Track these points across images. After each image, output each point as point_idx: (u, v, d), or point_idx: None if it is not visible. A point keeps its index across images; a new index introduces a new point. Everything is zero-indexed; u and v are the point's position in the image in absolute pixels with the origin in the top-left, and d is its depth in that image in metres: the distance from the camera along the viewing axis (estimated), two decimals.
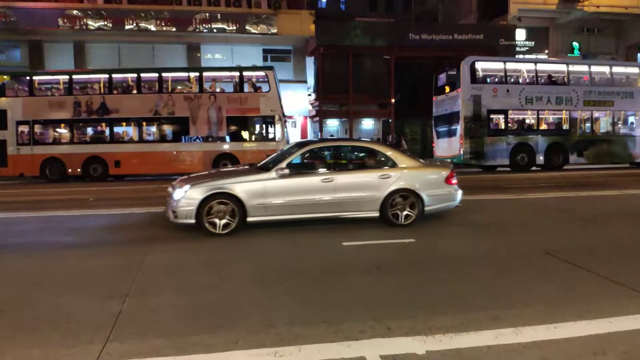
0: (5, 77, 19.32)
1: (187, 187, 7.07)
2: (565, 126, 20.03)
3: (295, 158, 7.66)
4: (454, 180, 7.87)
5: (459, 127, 19.27)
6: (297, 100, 27.11)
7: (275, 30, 26.98)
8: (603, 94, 20.07)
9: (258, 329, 3.51)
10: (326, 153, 8.37)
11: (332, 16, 39.28)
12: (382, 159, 7.88)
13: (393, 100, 26.23)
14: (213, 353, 3.16)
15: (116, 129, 19.16)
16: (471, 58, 19.45)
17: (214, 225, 6.94)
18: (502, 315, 3.70)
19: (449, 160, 20.73)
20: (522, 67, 20.53)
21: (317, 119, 26.88)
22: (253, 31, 26.91)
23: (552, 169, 19.44)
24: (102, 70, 21.22)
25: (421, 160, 8.45)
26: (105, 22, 25.89)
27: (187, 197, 6.97)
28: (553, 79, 20.15)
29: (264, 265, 5.47)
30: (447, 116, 20.59)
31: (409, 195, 7.49)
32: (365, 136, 28.51)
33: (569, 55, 30.36)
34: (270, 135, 19.20)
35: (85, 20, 25.71)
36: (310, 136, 27.66)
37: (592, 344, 3.21)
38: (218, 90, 19.53)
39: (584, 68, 20.91)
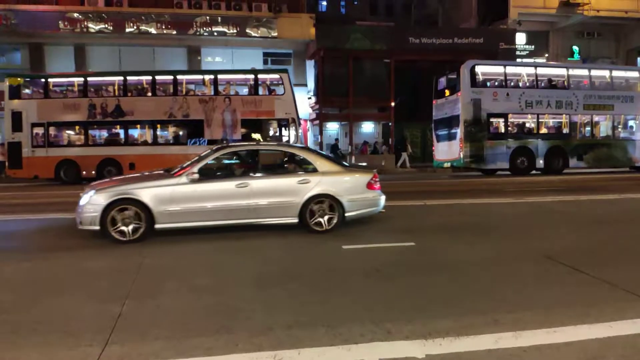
0: (19, 79, 19.39)
1: (92, 192, 6.84)
2: (565, 130, 20.06)
3: (209, 162, 7.38)
4: (377, 186, 7.69)
5: (459, 131, 19.29)
6: (297, 103, 27.12)
7: (275, 34, 27.03)
8: (603, 98, 20.11)
9: (257, 332, 3.50)
10: (243, 157, 8.09)
11: (332, 20, 39.42)
12: (302, 163, 7.67)
13: (393, 104, 26.27)
14: (213, 356, 3.15)
15: (131, 132, 19.24)
16: (471, 62, 19.49)
17: (120, 232, 6.67)
18: (502, 319, 3.70)
19: (448, 163, 20.81)
20: (522, 71, 20.58)
21: (317, 122, 26.91)
22: (253, 34, 26.95)
23: (552, 172, 19.45)
24: (117, 72, 21.31)
25: (345, 164, 8.27)
26: (106, 25, 25.94)
27: (91, 202, 6.72)
28: (553, 83, 20.18)
29: (264, 268, 5.47)
30: (447, 120, 20.60)
31: (328, 201, 7.29)
32: (366, 139, 28.57)
33: (569, 59, 30.43)
34: (285, 139, 19.15)
35: (86, 23, 25.76)
36: (310, 139, 27.67)
37: (592, 348, 3.21)
38: (232, 92, 19.58)
39: (584, 72, 20.97)
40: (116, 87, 19.35)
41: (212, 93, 19.16)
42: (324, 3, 49.83)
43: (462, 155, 19.17)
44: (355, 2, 50.07)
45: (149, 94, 19.29)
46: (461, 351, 3.18)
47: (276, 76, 19.65)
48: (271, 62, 28.97)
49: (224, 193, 7.03)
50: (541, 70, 20.69)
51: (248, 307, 4.09)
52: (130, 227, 6.72)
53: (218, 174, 7.50)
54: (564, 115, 19.92)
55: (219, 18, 26.78)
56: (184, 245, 6.69)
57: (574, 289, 4.51)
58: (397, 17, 46.10)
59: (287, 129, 19.10)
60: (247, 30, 26.86)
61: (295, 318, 3.80)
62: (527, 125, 20.17)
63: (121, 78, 19.44)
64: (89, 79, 19.63)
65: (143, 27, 26.17)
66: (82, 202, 6.85)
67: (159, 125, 19.15)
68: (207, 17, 26.70)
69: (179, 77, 19.74)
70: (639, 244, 6.60)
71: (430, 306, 4.05)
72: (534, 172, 19.61)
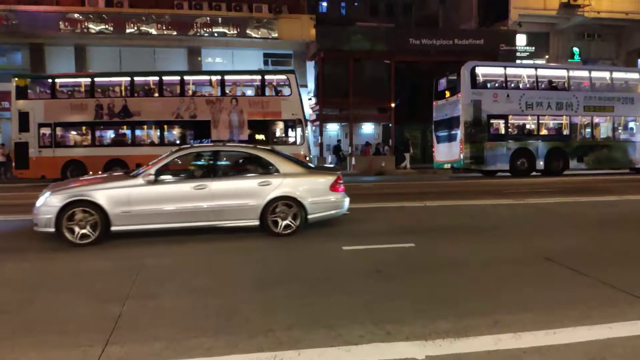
0: (26, 79, 19.44)
1: (47, 193, 6.74)
2: (566, 131, 20.06)
3: (167, 163, 7.24)
4: (341, 188, 7.57)
5: (459, 132, 19.30)
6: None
7: (275, 35, 27.04)
8: (603, 99, 20.12)
9: (257, 333, 3.51)
10: (204, 158, 7.83)
11: (332, 21, 39.46)
12: (264, 165, 7.53)
13: (393, 105, 26.28)
14: (213, 357, 3.16)
15: (137, 132, 19.25)
16: (471, 63, 19.50)
17: (75, 235, 6.58)
18: (501, 320, 3.70)
19: (448, 165, 20.81)
20: (523, 72, 20.58)
21: (317, 123, 26.91)
22: (254, 35, 26.97)
23: (552, 174, 19.46)
24: (124, 73, 21.33)
25: (310, 165, 8.14)
26: (107, 26, 25.95)
27: (46, 204, 6.62)
28: (553, 85, 20.20)
29: (264, 269, 5.47)
30: (447, 121, 20.62)
31: (290, 203, 7.18)
32: (365, 140, 28.58)
33: (569, 60, 30.44)
34: (292, 139, 19.20)
35: (86, 24, 25.77)
36: (310, 140, 27.67)
37: (591, 350, 3.21)
38: (239, 93, 19.61)
39: (585, 73, 20.98)
40: (123, 88, 19.38)
41: (219, 94, 19.18)
42: (324, 4, 49.88)
43: (462, 157, 19.17)
44: (356, 3, 50.12)
45: (156, 94, 19.32)
46: (461, 352, 3.18)
47: (283, 77, 19.71)
48: (271, 62, 29.00)
49: (181, 195, 6.93)
50: (541, 72, 20.70)
51: (248, 307, 4.09)
52: (85, 230, 6.62)
53: (176, 175, 7.31)
54: (564, 116, 19.93)
55: (220, 19, 26.79)
56: (183, 246, 6.70)
57: (574, 290, 4.51)
58: (397, 18, 46.14)
59: (293, 129, 19.13)
60: (248, 31, 26.87)
61: (295, 319, 3.80)
62: (528, 126, 20.18)
63: (128, 78, 19.48)
64: (96, 79, 19.63)
65: (143, 28, 26.19)
66: (38, 203, 6.75)
67: (165, 126, 19.16)
68: (208, 18, 26.72)
69: (186, 77, 19.79)
70: (638, 245, 6.60)
71: (430, 307, 4.06)
72: (534, 173, 19.61)
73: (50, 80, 19.48)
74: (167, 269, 5.57)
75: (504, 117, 19.50)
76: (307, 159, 19.33)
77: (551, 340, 3.36)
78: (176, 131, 19.30)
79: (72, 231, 6.61)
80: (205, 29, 26.59)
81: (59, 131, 18.78)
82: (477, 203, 10.75)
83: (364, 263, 5.62)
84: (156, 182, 6.92)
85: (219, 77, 19.64)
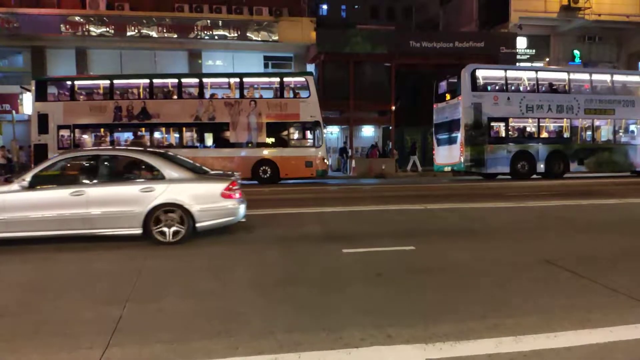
0: (47, 82, 19.50)
1: None
2: (566, 134, 20.06)
3: (46, 168, 7.01)
4: (235, 195, 7.17)
5: (460, 135, 19.30)
6: None
7: (276, 38, 27.08)
8: (604, 102, 20.11)
9: (258, 336, 3.51)
10: (86, 163, 7.55)
11: (333, 24, 39.57)
12: (147, 170, 7.21)
13: (393, 108, 26.30)
14: (213, 359, 3.16)
15: (156, 134, 19.34)
16: (472, 66, 19.51)
17: None
18: (502, 324, 3.70)
19: (448, 167, 20.81)
20: (523, 75, 20.60)
21: None
22: (254, 38, 27.02)
23: (552, 177, 19.44)
24: (143, 75, 21.41)
25: (206, 170, 7.89)
26: (107, 29, 26.01)
27: None
28: (554, 87, 20.20)
29: (264, 272, 5.47)
30: (448, 124, 20.62)
31: (176, 210, 6.81)
32: (367, 143, 28.61)
33: (570, 63, 30.46)
34: (310, 141, 19.29)
35: (87, 27, 25.83)
36: None
37: (592, 353, 3.21)
38: (258, 95, 19.67)
39: (585, 76, 20.98)
40: (142, 90, 19.47)
41: (238, 96, 19.23)
42: (325, 7, 50.00)
43: (462, 159, 19.17)
44: (356, 6, 50.22)
45: (175, 96, 19.38)
46: (462, 355, 3.18)
47: (302, 79, 19.79)
48: (272, 65, 29.06)
49: (57, 201, 6.64)
50: (542, 75, 20.71)
51: (248, 310, 4.09)
52: None
53: (54, 181, 7.01)
54: (564, 119, 19.93)
55: (220, 22, 26.84)
56: (184, 249, 6.69)
57: (574, 293, 4.51)
58: (397, 21, 46.24)
59: (312, 131, 19.17)
60: (248, 34, 26.92)
61: (296, 322, 3.80)
62: (528, 129, 20.18)
63: (147, 81, 19.60)
64: (115, 81, 19.70)
65: (144, 31, 26.24)
66: None
67: (184, 128, 19.22)
68: (208, 21, 26.77)
69: (204, 79, 19.89)
70: (639, 249, 6.60)
71: (431, 310, 4.05)
72: (534, 176, 19.60)
73: (69, 83, 19.57)
74: (168, 271, 5.57)
75: (505, 119, 19.50)
76: (325, 161, 19.33)
77: (552, 343, 3.35)
78: (194, 133, 19.32)
79: None
80: (205, 32, 26.64)
81: (78, 133, 18.83)
82: (477, 206, 10.75)
83: (364, 266, 5.62)
84: (32, 188, 6.66)
85: (237, 80, 19.68)
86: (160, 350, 3.29)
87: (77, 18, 25.86)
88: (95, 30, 25.91)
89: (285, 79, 19.87)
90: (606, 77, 21.26)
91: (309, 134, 19.33)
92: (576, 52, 31.12)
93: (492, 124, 19.45)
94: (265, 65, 28.90)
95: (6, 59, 28.42)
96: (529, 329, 3.58)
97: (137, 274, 5.26)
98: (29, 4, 26.14)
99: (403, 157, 27.10)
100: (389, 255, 6.21)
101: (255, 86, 20.12)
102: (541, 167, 19.56)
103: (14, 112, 25.16)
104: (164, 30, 26.36)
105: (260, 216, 9.27)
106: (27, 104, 25.69)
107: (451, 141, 20.28)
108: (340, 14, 50.41)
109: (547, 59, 30.60)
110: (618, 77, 21.61)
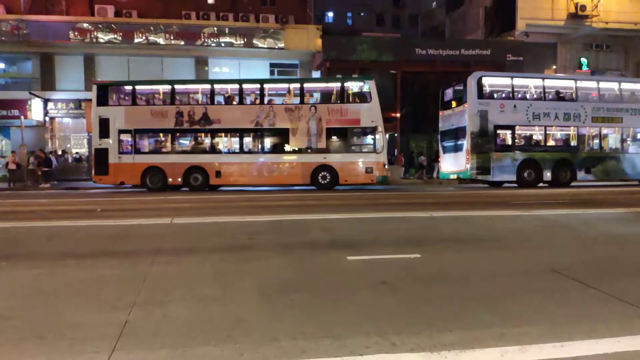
0: (108, 87, 19.67)
1: None
2: (573, 142, 19.99)
3: None
4: None
5: (466, 142, 19.28)
6: None
7: (282, 45, 27.25)
8: (612, 110, 20.05)
9: (262, 342, 3.50)
10: None
11: (338, 31, 39.71)
12: None
13: (399, 115, 26.31)
14: None
15: (217, 139, 19.43)
16: (478, 73, 19.53)
17: None
18: (508, 333, 3.67)
19: (454, 175, 20.77)
20: (530, 83, 20.57)
21: None
22: (260, 45, 27.20)
23: (559, 185, 19.37)
24: (204, 80, 21.65)
25: None
26: (115, 36, 26.28)
27: None
28: (561, 95, 20.16)
29: (269, 278, 5.47)
30: (454, 131, 20.61)
31: None
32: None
33: (577, 71, 30.39)
34: (370, 147, 19.15)
35: (95, 34, 26.12)
36: None
37: None
38: (317, 101, 19.73)
39: (592, 84, 20.93)
40: (203, 95, 19.59)
41: (299, 102, 19.21)
42: (331, 14, 50.20)
43: (468, 167, 19.14)
44: (362, 14, 50.39)
45: (235, 102, 19.47)
46: None
47: (362, 84, 19.68)
48: (277, 72, 29.22)
49: None
50: (549, 82, 20.69)
51: (253, 317, 4.09)
52: None
53: None
54: (571, 127, 19.88)
55: (227, 29, 27.06)
56: (189, 254, 6.71)
57: (581, 303, 4.48)
58: (403, 29, 46.34)
59: (373, 137, 19.05)
60: (254, 41, 27.11)
61: (300, 329, 3.79)
62: (535, 137, 20.13)
63: (208, 86, 19.75)
64: (175, 86, 19.82)
65: (152, 38, 26.49)
66: None
67: (245, 134, 19.25)
68: (215, 28, 26.99)
69: (265, 85, 19.96)
70: None
71: (436, 319, 4.04)
72: (541, 184, 19.52)
73: (130, 87, 19.73)
74: (173, 277, 5.57)
75: (511, 127, 19.48)
76: (386, 167, 19.29)
77: (558, 353, 3.33)
78: (255, 139, 19.37)
79: None
80: (212, 39, 26.86)
81: (138, 138, 19.03)
82: (483, 214, 10.71)
83: (369, 273, 5.61)
84: None
85: (298, 85, 19.75)
86: (166, 356, 3.30)
87: (85, 25, 26.15)
88: (103, 37, 26.19)
89: (346, 84, 19.75)
90: (614, 85, 21.21)
91: (369, 140, 19.20)
92: (583, 60, 31.06)
93: (499, 131, 19.43)
94: (271, 72, 29.07)
95: (15, 65, 28.74)
96: (535, 338, 3.56)
97: (142, 280, 5.27)
98: (38, 11, 26.45)
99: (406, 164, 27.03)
100: (394, 262, 6.19)
101: (316, 91, 20.13)
102: (548, 175, 19.49)
103: (22, 117, 25.39)
104: (171, 38, 26.60)
105: (267, 222, 9.29)
106: (36, 109, 26.00)
107: (457, 149, 20.25)
108: (346, 21, 50.60)
109: (554, 67, 30.54)
110: (626, 85, 21.55)
